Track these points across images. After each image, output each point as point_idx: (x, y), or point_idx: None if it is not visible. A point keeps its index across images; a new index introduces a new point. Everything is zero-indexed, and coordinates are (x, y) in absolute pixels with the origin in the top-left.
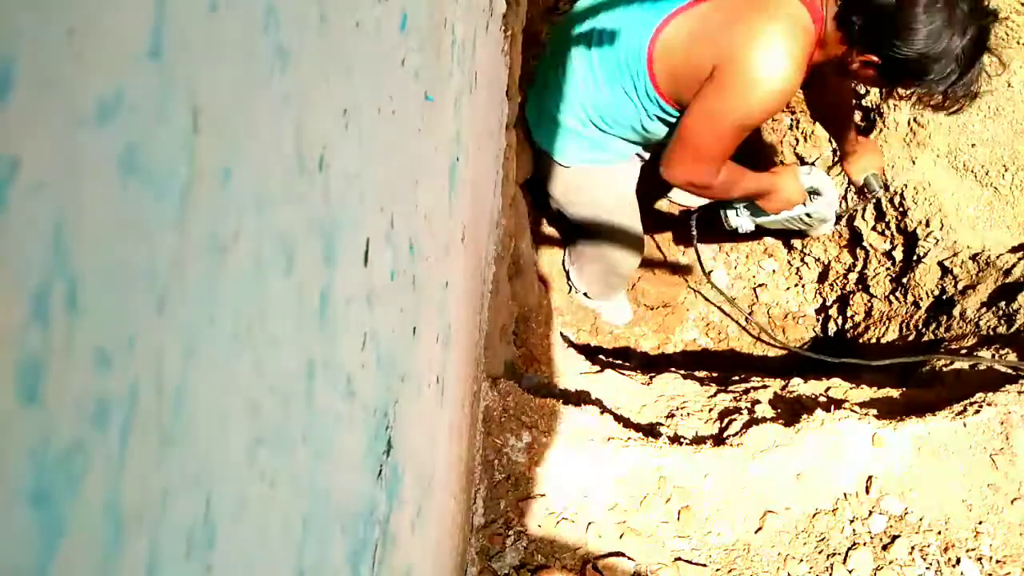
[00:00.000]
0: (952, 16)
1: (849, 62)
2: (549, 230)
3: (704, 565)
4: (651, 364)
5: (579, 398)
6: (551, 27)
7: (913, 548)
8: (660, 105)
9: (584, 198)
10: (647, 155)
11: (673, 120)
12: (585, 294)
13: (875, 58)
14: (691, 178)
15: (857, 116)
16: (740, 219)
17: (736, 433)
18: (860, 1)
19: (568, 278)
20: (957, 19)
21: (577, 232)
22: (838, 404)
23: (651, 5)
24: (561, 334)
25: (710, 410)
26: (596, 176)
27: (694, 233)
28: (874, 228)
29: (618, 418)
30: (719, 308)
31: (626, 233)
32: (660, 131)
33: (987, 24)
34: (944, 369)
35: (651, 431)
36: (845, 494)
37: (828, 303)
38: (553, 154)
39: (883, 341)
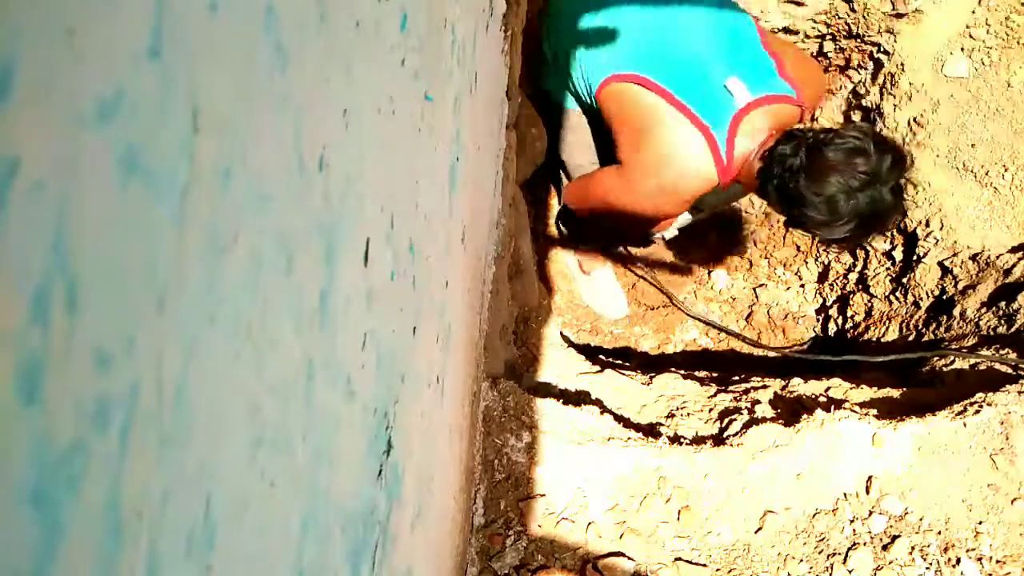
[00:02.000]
0: (852, 193)
1: (757, 193)
2: (549, 230)
3: (704, 565)
4: (651, 364)
5: (579, 398)
6: None
7: (913, 548)
8: (595, 105)
9: (560, 129)
10: None
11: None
12: (566, 235)
13: (778, 211)
14: (575, 208)
15: (857, 116)
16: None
17: (736, 433)
18: (778, 193)
19: (559, 222)
20: (855, 196)
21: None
22: (838, 404)
23: (640, 47)
24: (561, 334)
25: (710, 410)
26: (564, 113)
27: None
28: None
29: (618, 418)
30: (712, 326)
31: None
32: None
33: (880, 188)
34: (944, 369)
35: (651, 431)
36: (845, 494)
37: (828, 303)
38: (559, 98)
39: (883, 341)
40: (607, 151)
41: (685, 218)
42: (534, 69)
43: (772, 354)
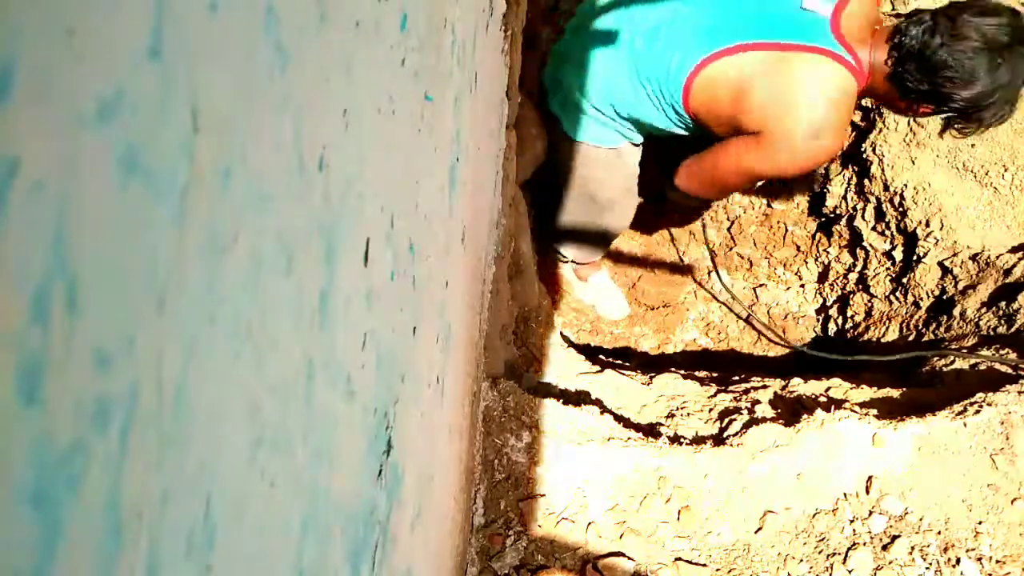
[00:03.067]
0: (997, 51)
1: (901, 108)
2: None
3: (704, 565)
4: (651, 364)
5: (579, 398)
6: None
7: (913, 548)
8: (685, 119)
9: (588, 174)
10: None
11: (690, 127)
12: (561, 256)
13: (931, 107)
14: (700, 195)
15: (857, 116)
16: None
17: (736, 433)
18: (916, 63)
19: (552, 247)
20: (1001, 52)
21: (565, 198)
22: (838, 404)
23: (699, 31)
24: (561, 334)
25: (710, 410)
26: (600, 155)
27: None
28: (874, 228)
29: (618, 418)
30: (727, 307)
31: (616, 214)
32: (673, 131)
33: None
34: (944, 369)
35: (651, 431)
36: (845, 494)
37: (828, 303)
38: (563, 125)
39: (883, 341)
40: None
41: None
42: (547, 127)
43: (774, 353)
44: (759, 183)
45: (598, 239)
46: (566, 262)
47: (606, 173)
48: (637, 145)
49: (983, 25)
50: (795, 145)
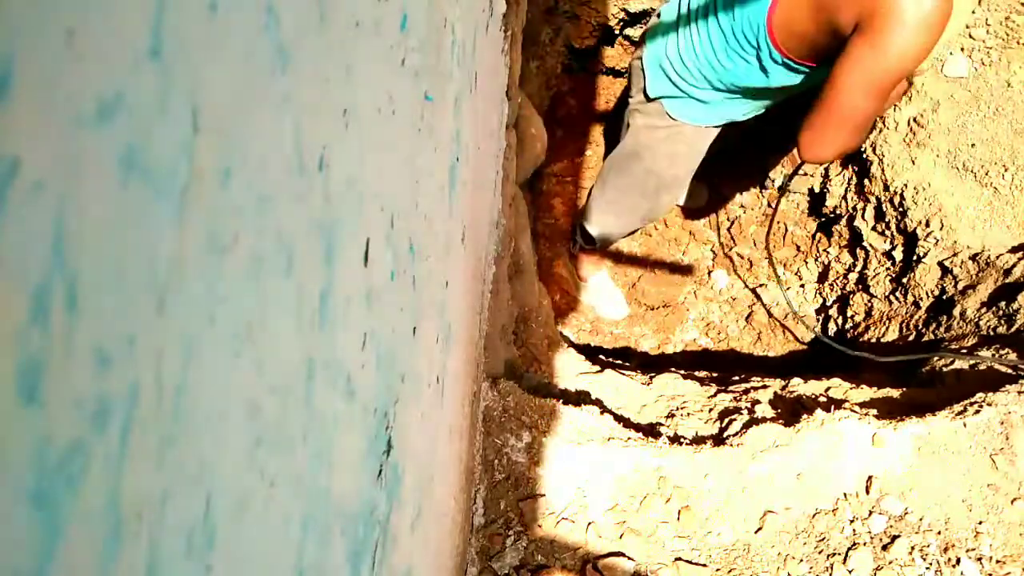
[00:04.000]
0: None
1: None
2: (549, 230)
3: (704, 565)
4: (651, 364)
5: (579, 398)
6: None
7: (913, 548)
8: (787, 63)
9: (670, 151)
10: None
11: (800, 69)
12: (586, 242)
13: None
14: (848, 149)
15: None
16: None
17: (736, 433)
18: None
19: (575, 225)
20: None
21: (627, 174)
22: (838, 404)
23: None
24: (561, 334)
25: (710, 410)
26: (685, 132)
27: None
28: (874, 228)
29: (618, 418)
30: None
31: (675, 191)
32: (785, 80)
33: None
34: (944, 369)
35: (651, 431)
36: (845, 494)
37: (828, 303)
38: (645, 79)
39: (883, 341)
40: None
41: None
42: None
43: (774, 353)
44: (891, 93)
45: (640, 217)
46: (587, 249)
47: (688, 149)
48: (719, 127)
49: None
50: (907, 14)
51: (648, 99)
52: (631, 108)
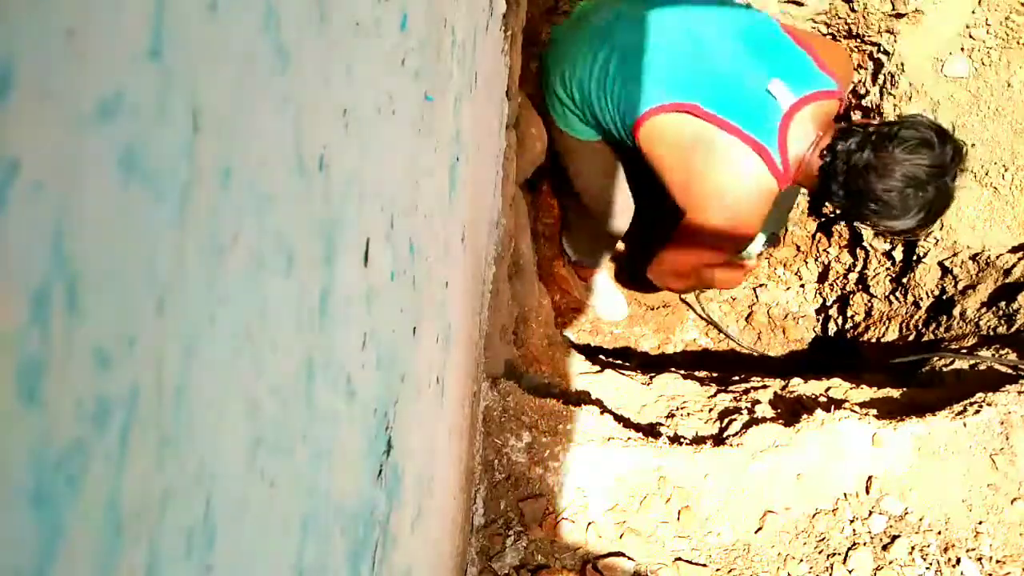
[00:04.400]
0: (921, 186)
1: (820, 196)
2: (549, 230)
3: (704, 565)
4: (651, 364)
5: (579, 398)
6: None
7: (913, 548)
8: (634, 144)
9: (571, 161)
10: None
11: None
12: (573, 261)
13: (843, 208)
14: (674, 290)
15: (857, 116)
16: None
17: (736, 433)
18: (842, 189)
19: (561, 243)
20: (924, 188)
21: (570, 196)
22: (838, 404)
23: (666, 75)
24: (561, 334)
25: (710, 410)
26: (582, 145)
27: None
28: None
29: (618, 418)
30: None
31: (610, 202)
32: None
33: (945, 179)
34: (944, 369)
35: (651, 431)
36: (845, 494)
37: (828, 303)
38: (551, 113)
39: (883, 341)
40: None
41: (760, 238)
42: (540, 109)
43: (774, 353)
44: (705, 271)
45: (595, 239)
46: (573, 261)
47: (586, 167)
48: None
49: (909, 164)
50: (709, 223)
51: (560, 129)
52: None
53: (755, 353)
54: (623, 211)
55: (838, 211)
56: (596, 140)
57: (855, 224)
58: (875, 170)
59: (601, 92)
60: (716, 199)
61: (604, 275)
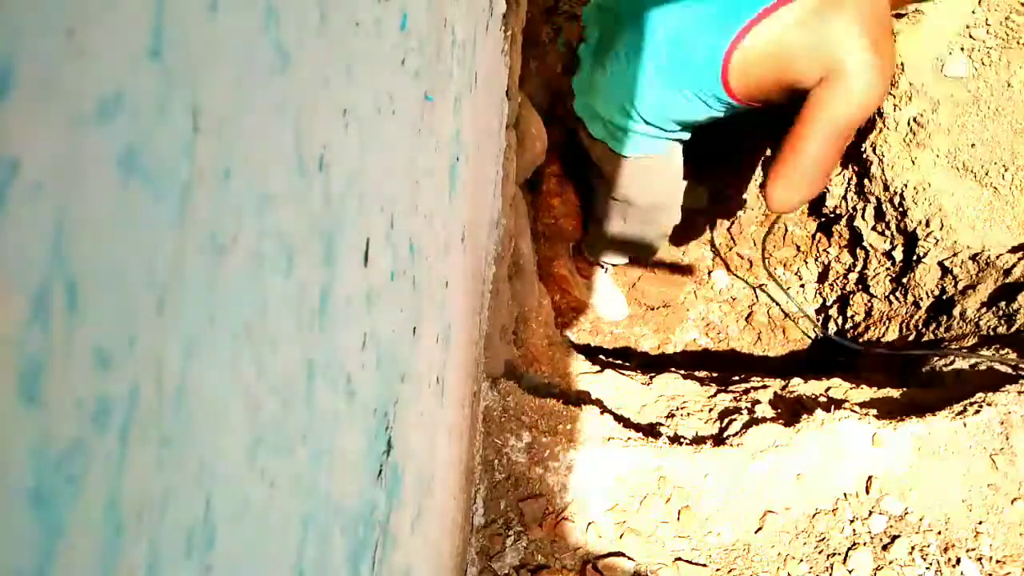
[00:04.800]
0: None
1: None
2: (549, 230)
3: (704, 565)
4: (651, 364)
5: (579, 398)
6: (587, 9)
7: (913, 548)
8: (731, 105)
9: (642, 183)
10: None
11: (740, 110)
12: (596, 261)
13: None
14: (812, 196)
15: None
16: None
17: (736, 433)
18: None
19: (580, 246)
20: None
21: (617, 211)
22: (838, 404)
23: (712, 22)
24: (561, 334)
25: (710, 410)
26: (652, 164)
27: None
28: (874, 228)
29: (618, 418)
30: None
31: (671, 212)
32: (726, 116)
33: None
34: (944, 369)
35: (651, 431)
36: (845, 494)
37: (828, 303)
38: (611, 146)
39: (883, 341)
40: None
41: None
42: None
43: (774, 353)
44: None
45: (653, 241)
46: (616, 265)
47: (658, 177)
48: (683, 142)
49: None
50: (862, 65)
51: (593, 139)
52: (587, 145)
53: (806, 315)
54: (679, 205)
55: None
56: (665, 151)
57: None
58: None
59: (669, 81)
60: (852, 33)
61: (604, 275)
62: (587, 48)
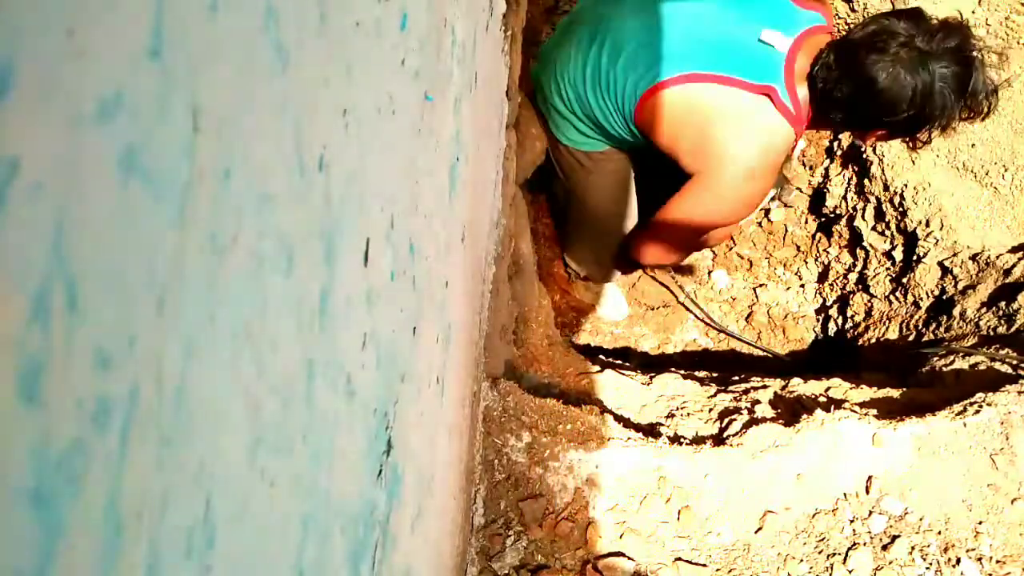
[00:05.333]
0: (917, 69)
1: (855, 137)
2: (549, 230)
3: (704, 565)
4: (651, 364)
5: (579, 398)
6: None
7: (913, 548)
8: (640, 135)
9: (580, 178)
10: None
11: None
12: (582, 276)
13: (879, 132)
14: (666, 264)
15: None
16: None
17: (736, 433)
18: (830, 105)
19: (565, 263)
20: (922, 66)
21: (575, 213)
22: (838, 404)
23: (655, 55)
24: (561, 334)
25: (710, 410)
26: (590, 160)
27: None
28: (874, 228)
29: (618, 418)
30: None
31: (623, 215)
32: (635, 143)
33: (951, 47)
34: (944, 369)
35: (651, 431)
36: (845, 494)
37: (828, 303)
38: (554, 133)
39: (883, 341)
40: (656, 173)
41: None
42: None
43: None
44: (705, 235)
45: (601, 253)
46: (580, 278)
47: (597, 180)
48: (623, 151)
49: (871, 46)
50: (726, 186)
51: (559, 143)
52: (551, 156)
53: (760, 350)
54: (632, 221)
55: (850, 131)
56: (603, 150)
57: (904, 134)
58: (844, 69)
59: (596, 87)
60: (735, 156)
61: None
62: (563, 20)
